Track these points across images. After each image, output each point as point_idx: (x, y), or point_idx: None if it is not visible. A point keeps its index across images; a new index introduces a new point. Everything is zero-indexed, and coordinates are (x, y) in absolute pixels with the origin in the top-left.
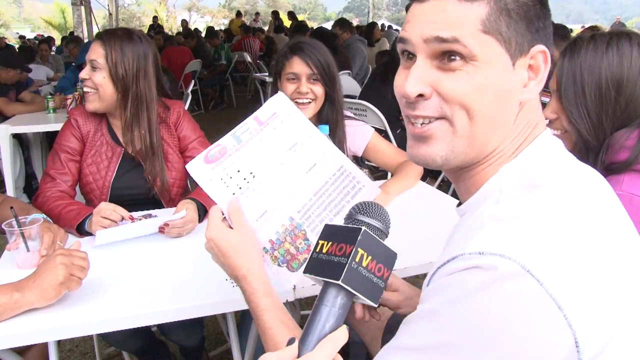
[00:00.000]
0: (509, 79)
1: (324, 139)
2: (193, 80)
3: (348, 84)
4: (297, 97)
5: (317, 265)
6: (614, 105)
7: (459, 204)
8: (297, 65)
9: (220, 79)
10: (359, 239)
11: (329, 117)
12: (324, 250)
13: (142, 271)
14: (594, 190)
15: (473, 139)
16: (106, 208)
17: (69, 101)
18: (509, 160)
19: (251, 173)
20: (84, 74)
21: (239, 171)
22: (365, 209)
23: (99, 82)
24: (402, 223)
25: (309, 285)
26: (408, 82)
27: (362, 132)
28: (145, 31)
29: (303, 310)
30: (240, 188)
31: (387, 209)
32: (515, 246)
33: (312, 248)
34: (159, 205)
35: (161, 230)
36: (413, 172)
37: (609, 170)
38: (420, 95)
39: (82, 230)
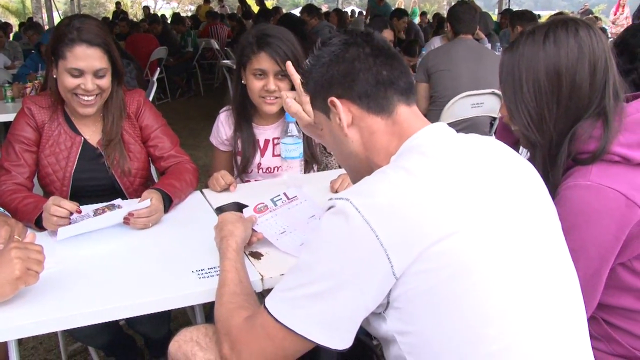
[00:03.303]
0: (331, 126)
1: None
2: (159, 68)
3: None
4: (265, 95)
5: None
6: (556, 98)
7: None
8: (265, 62)
9: (187, 67)
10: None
11: None
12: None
13: (106, 264)
14: (457, 152)
15: (351, 171)
16: (51, 204)
17: (28, 90)
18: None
19: (284, 224)
20: (89, 86)
21: (275, 220)
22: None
23: (106, 87)
24: None
25: (277, 276)
26: None
27: None
28: (110, 17)
29: None
30: (280, 230)
31: None
32: (351, 192)
33: None
34: (123, 196)
35: (126, 221)
36: None
37: (577, 161)
38: None
39: (41, 224)
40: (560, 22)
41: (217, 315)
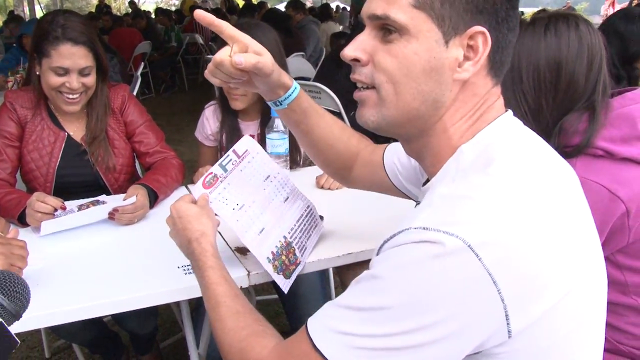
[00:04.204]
0: (440, 56)
1: (288, 178)
2: (143, 63)
3: (302, 65)
4: (230, 90)
5: None
6: (554, 89)
7: (424, 183)
8: None
9: (171, 62)
10: None
11: None
12: None
13: (91, 260)
14: (548, 170)
15: (400, 109)
16: (35, 200)
17: (10, 84)
18: (466, 140)
19: (241, 194)
20: (75, 84)
21: (229, 192)
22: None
23: (91, 84)
24: (370, 205)
25: (264, 272)
26: (348, 46)
27: None
28: (93, 11)
29: (258, 296)
30: (237, 205)
31: (353, 194)
32: (458, 223)
33: (298, 262)
34: (107, 193)
35: (111, 216)
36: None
37: (563, 154)
38: (357, 61)
39: (24, 220)
40: (561, 15)
41: (224, 347)
